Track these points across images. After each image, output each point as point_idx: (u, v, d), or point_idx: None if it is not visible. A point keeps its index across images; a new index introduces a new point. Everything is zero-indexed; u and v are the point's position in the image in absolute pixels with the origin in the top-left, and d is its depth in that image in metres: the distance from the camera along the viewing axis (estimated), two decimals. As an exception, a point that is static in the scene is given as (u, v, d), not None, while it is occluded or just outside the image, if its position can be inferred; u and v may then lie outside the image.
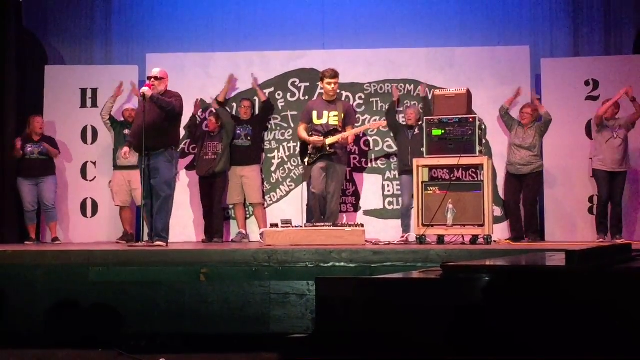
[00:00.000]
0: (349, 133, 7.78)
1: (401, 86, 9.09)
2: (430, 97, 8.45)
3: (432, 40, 9.46)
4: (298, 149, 8.37)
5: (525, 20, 9.63)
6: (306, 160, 7.90)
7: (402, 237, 8.17)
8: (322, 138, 7.74)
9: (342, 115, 7.79)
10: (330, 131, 7.76)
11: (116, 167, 8.81)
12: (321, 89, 8.18)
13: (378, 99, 9.08)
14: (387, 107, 8.89)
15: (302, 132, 7.91)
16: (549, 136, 8.73)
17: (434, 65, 9.12)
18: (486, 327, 2.64)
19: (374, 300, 2.77)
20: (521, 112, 8.42)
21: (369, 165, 9.14)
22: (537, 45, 9.46)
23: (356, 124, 8.44)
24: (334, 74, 7.86)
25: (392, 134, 8.86)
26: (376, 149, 9.12)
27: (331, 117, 7.80)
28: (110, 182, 8.97)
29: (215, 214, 8.80)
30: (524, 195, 8.37)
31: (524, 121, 8.36)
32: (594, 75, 8.87)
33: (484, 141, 8.11)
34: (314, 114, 7.88)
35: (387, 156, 9.08)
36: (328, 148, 7.71)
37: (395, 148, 8.85)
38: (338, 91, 8.08)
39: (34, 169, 8.80)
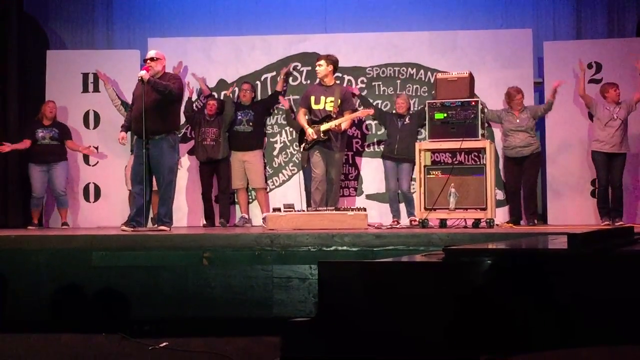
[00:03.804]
0: (341, 120, 7.74)
1: (403, 69, 9.08)
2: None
3: (434, 24, 9.44)
4: (297, 134, 8.36)
5: (528, 3, 9.61)
6: (303, 145, 7.91)
7: (394, 221, 8.21)
8: (316, 127, 7.72)
9: (339, 101, 7.77)
10: (326, 117, 7.75)
11: (133, 151, 8.69)
12: None
13: (380, 82, 9.06)
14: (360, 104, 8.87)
15: (301, 118, 7.91)
16: (552, 120, 8.73)
17: (436, 48, 9.10)
18: (488, 309, 2.65)
19: (377, 284, 2.78)
20: (515, 99, 8.31)
21: (371, 149, 9.13)
22: (540, 28, 9.44)
23: (356, 108, 8.43)
24: (320, 57, 7.90)
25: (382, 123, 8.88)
26: (379, 132, 9.11)
27: (327, 103, 7.78)
28: (126, 167, 8.94)
29: (222, 200, 8.82)
30: (525, 177, 8.34)
31: (519, 106, 8.28)
32: (597, 57, 8.83)
33: (486, 125, 8.09)
34: (312, 99, 7.86)
35: (379, 143, 9.09)
36: (322, 135, 7.70)
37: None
38: (337, 76, 8.04)
39: (45, 155, 8.75)
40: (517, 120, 8.21)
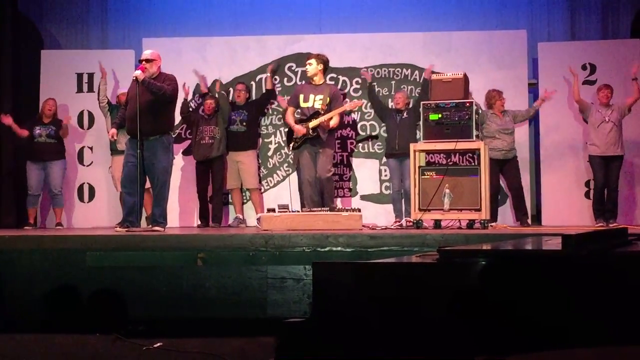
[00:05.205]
0: (329, 115, 7.73)
1: (398, 70, 9.09)
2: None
3: (429, 25, 9.45)
4: (286, 133, 8.34)
5: (523, 4, 9.62)
6: (291, 145, 7.90)
7: (396, 221, 8.18)
8: (305, 124, 7.72)
9: (328, 99, 7.76)
10: (314, 114, 7.75)
11: (116, 152, 8.67)
12: None
13: (375, 83, 9.05)
14: (367, 92, 8.85)
15: (289, 117, 7.91)
16: (546, 122, 8.75)
17: (431, 49, 9.10)
18: (483, 309, 2.65)
19: (371, 285, 2.78)
20: (500, 101, 8.26)
21: (366, 150, 9.14)
22: (534, 29, 9.46)
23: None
24: (311, 55, 7.92)
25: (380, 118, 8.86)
26: (373, 133, 9.12)
27: (317, 101, 7.78)
28: (110, 167, 8.94)
29: (215, 200, 8.80)
30: (510, 180, 8.29)
31: (501, 109, 8.25)
32: (591, 59, 8.86)
33: (480, 126, 8.09)
34: (301, 97, 7.86)
35: (369, 138, 9.10)
36: (311, 131, 7.70)
37: (391, 132, 8.85)
38: (332, 76, 8.03)
39: (42, 153, 8.73)
40: (500, 122, 8.18)
